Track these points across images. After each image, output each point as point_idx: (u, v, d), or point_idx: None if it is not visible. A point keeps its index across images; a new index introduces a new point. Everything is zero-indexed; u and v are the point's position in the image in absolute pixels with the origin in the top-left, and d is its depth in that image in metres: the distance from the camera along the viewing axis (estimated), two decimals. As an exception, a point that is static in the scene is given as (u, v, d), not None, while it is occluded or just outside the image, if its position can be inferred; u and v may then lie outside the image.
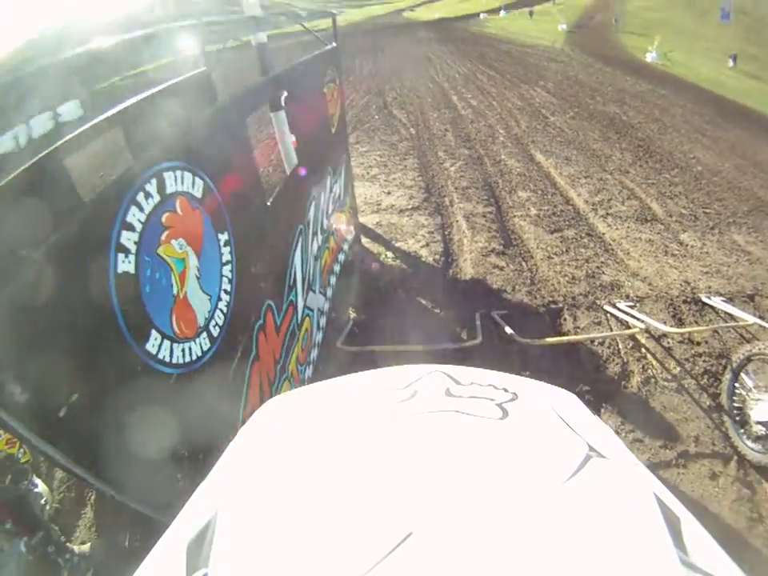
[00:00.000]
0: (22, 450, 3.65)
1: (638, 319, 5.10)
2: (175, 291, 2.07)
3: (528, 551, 0.53)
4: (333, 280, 5.33)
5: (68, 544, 3.72)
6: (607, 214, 7.95)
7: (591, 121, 13.53)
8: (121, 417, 1.70)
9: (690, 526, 0.66)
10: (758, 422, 3.87)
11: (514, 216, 8.14)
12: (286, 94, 4.18)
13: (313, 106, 4.46)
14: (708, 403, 4.43)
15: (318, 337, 4.67)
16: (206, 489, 0.86)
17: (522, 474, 0.70)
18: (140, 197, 1.80)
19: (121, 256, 1.69)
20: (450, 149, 11.87)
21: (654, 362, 4.85)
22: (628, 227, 7.49)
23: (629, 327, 5.10)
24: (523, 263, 6.82)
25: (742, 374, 4.24)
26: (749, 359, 4.21)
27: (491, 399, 0.94)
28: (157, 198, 1.91)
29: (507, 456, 0.75)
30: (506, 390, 0.99)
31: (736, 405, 4.21)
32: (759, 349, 4.13)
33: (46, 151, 1.53)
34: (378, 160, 11.17)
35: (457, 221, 8.09)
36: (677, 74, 21.57)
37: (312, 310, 4.36)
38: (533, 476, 0.69)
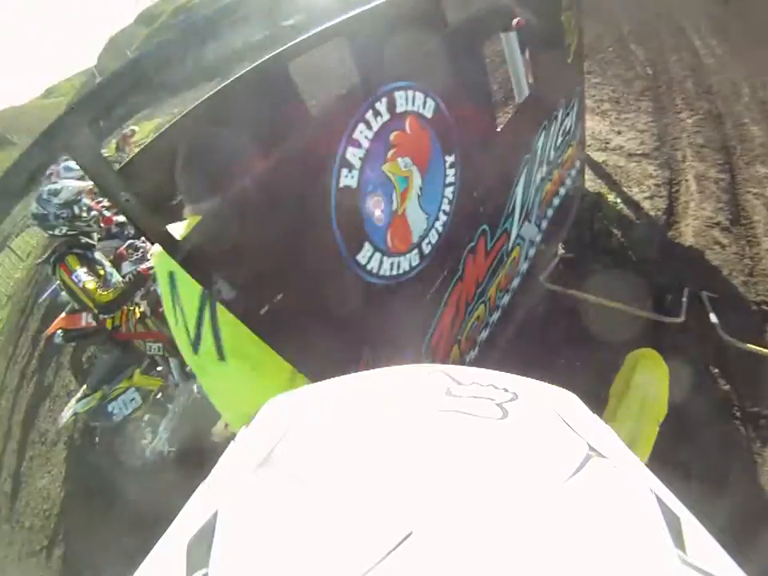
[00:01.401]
0: None
1: None
2: (394, 208, 2.14)
3: (528, 551, 0.51)
4: (550, 213, 5.21)
5: None
6: None
7: None
8: (318, 319, 1.82)
9: (690, 526, 0.63)
10: None
11: (748, 192, 7.17)
12: (517, 20, 4.02)
13: (549, 33, 4.25)
14: None
15: (524, 267, 4.66)
16: (206, 488, 0.85)
17: (522, 473, 0.67)
18: (369, 114, 1.85)
19: (344, 171, 1.76)
20: (688, 98, 10.70)
21: None
22: None
23: None
24: (747, 248, 6.06)
25: None
26: None
27: (491, 399, 0.91)
28: (386, 117, 1.95)
29: (507, 456, 0.72)
30: (506, 390, 0.96)
31: None
32: None
33: (271, 54, 1.60)
34: (611, 95, 10.36)
35: (686, 179, 7.40)
36: None
37: (524, 240, 4.34)
38: (533, 475, 0.67)
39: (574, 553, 0.51)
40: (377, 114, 1.89)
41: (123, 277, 4.13)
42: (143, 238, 4.45)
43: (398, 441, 0.79)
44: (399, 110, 2.03)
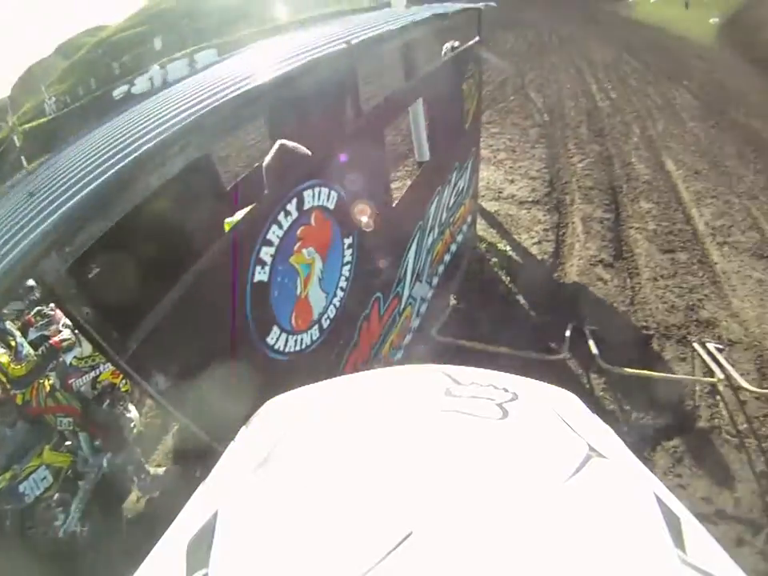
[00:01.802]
0: (124, 381, 4.18)
1: (721, 365, 5.00)
2: (298, 292, 2.35)
3: (528, 551, 0.54)
4: (441, 269, 5.45)
5: (146, 465, 4.26)
6: (725, 242, 7.55)
7: (730, 133, 12.57)
8: (235, 393, 1.93)
9: (690, 526, 0.66)
10: None
11: (631, 227, 7.92)
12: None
13: (449, 105, 4.55)
14: (761, 468, 4.27)
15: (416, 323, 4.84)
16: (206, 489, 0.86)
17: (522, 473, 0.69)
18: (281, 216, 2.06)
19: (258, 268, 1.98)
20: (581, 142, 11.53)
21: (724, 413, 4.72)
22: (741, 261, 7.10)
23: (711, 371, 4.99)
24: (628, 280, 6.69)
25: None
26: None
27: (491, 399, 0.93)
28: (295, 215, 2.16)
29: (507, 456, 0.74)
30: (506, 390, 0.99)
31: None
32: None
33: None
34: (507, 144, 11.05)
35: (573, 222, 7.98)
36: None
37: (415, 299, 4.55)
38: (533, 476, 0.69)
39: (574, 553, 0.54)
40: (287, 214, 2.10)
41: (30, 343, 4.07)
42: (51, 305, 4.42)
43: (397, 441, 0.82)
44: (306, 206, 2.24)
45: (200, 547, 0.64)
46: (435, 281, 5.30)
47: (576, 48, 23.63)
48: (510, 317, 5.83)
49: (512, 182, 9.20)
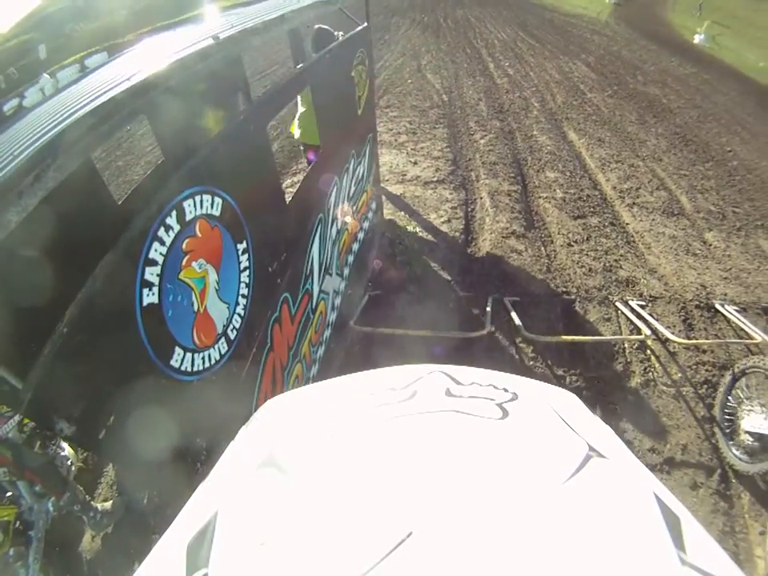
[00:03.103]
0: None
1: (646, 321, 5.16)
2: (196, 308, 2.21)
3: (528, 551, 0.54)
4: (351, 259, 5.36)
5: (92, 502, 4.04)
6: (634, 203, 7.82)
7: (630, 101, 13.08)
8: (147, 423, 1.87)
9: (690, 526, 0.66)
10: (747, 432, 3.94)
11: (539, 197, 8.07)
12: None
13: (339, 93, 4.44)
14: (702, 413, 4.46)
15: (333, 317, 4.75)
16: (206, 489, 0.87)
17: (522, 473, 0.70)
18: (161, 231, 1.91)
19: (146, 290, 1.83)
20: (481, 120, 11.63)
21: (657, 365, 4.89)
22: (653, 220, 7.36)
23: (637, 328, 5.13)
24: (542, 248, 6.81)
25: (737, 386, 4.29)
26: (744, 372, 4.26)
27: (491, 399, 0.95)
28: (177, 228, 2.01)
29: (507, 456, 0.75)
30: (506, 390, 1.00)
31: (727, 415, 4.26)
32: (754, 362, 4.18)
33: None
34: (408, 127, 11.02)
35: (481, 197, 8.04)
36: (724, 60, 19.95)
37: (327, 293, 4.45)
38: (533, 476, 0.70)
39: (574, 554, 0.54)
40: (168, 228, 1.95)
41: None
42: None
43: (397, 441, 0.83)
44: (189, 217, 2.09)
45: (200, 547, 0.64)
46: (347, 271, 5.21)
47: (471, 29, 23.85)
48: (428, 298, 5.84)
49: (415, 163, 9.19)
